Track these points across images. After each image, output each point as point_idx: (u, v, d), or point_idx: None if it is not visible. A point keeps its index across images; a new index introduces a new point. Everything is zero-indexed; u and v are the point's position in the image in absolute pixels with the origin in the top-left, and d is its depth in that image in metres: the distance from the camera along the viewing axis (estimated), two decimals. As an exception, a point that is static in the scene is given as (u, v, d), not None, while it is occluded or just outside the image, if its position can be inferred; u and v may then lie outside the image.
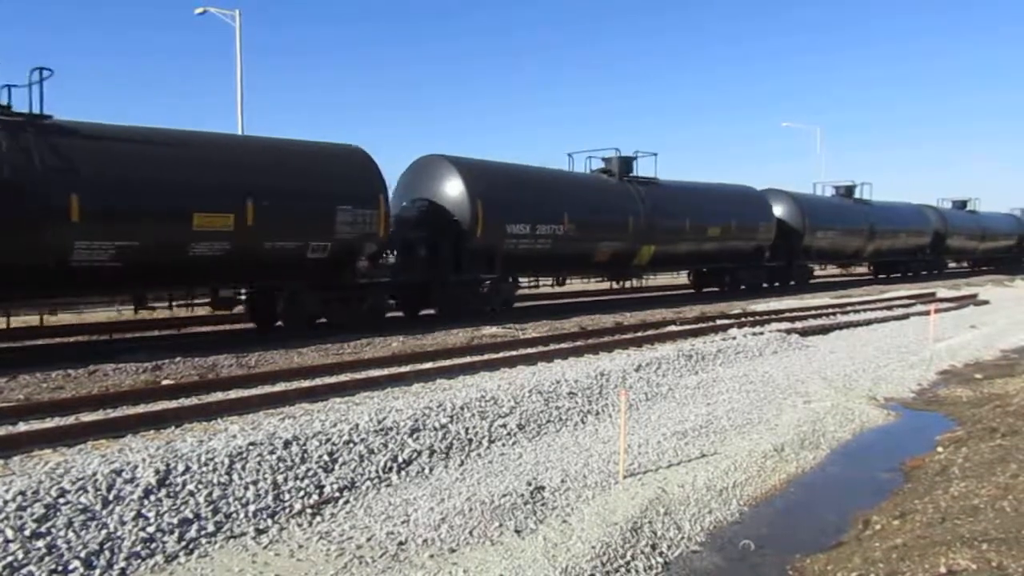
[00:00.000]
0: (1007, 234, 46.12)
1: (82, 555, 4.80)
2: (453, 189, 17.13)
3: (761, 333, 14.90)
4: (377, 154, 18.01)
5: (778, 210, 27.64)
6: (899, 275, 36.13)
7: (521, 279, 19.56)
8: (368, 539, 5.40)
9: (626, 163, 22.20)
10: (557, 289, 23.99)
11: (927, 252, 37.44)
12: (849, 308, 20.73)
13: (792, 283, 28.77)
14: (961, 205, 43.17)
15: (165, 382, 9.90)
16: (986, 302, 24.02)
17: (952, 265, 43.77)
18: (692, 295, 25.64)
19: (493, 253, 17.67)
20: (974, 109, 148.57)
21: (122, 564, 4.85)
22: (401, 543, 5.34)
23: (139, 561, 4.92)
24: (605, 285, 25.86)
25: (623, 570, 5.17)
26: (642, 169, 22.71)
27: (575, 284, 27.17)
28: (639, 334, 14.75)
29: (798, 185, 35.22)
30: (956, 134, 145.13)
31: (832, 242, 30.35)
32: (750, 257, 26.33)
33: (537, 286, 21.54)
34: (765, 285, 27.62)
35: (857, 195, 33.73)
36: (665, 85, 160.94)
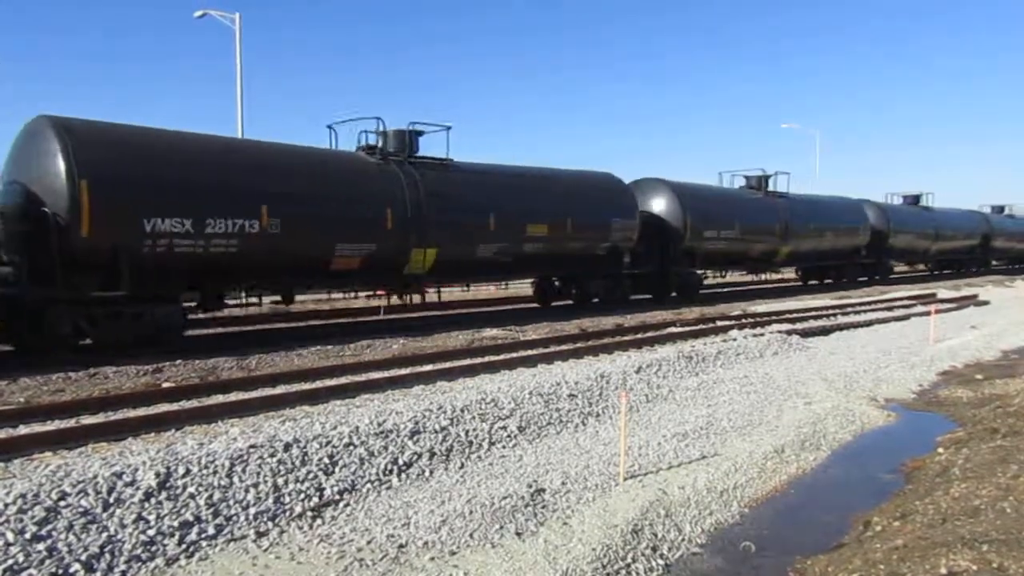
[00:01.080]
0: (968, 233, 41.00)
1: (83, 558, 4.80)
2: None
3: (761, 334, 14.90)
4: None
5: (653, 204, 23.12)
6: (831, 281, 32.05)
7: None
8: (368, 542, 5.40)
9: (401, 137, 16.51)
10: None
11: (862, 253, 32.79)
12: (849, 309, 20.73)
13: (673, 295, 23.41)
14: (913, 200, 38.86)
15: (165, 385, 9.91)
16: (986, 303, 24.02)
17: (902, 268, 40.59)
18: (535, 310, 20.94)
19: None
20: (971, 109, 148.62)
21: (123, 567, 4.85)
22: (402, 546, 5.34)
23: (139, 564, 4.92)
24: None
25: (624, 572, 5.17)
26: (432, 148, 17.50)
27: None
28: (639, 336, 14.76)
29: (797, 187, 33.86)
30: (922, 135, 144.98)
31: (729, 243, 25.06)
32: (601, 263, 20.64)
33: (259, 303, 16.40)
34: (632, 297, 22.14)
35: (771, 187, 28.06)
36: (665, 87, 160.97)
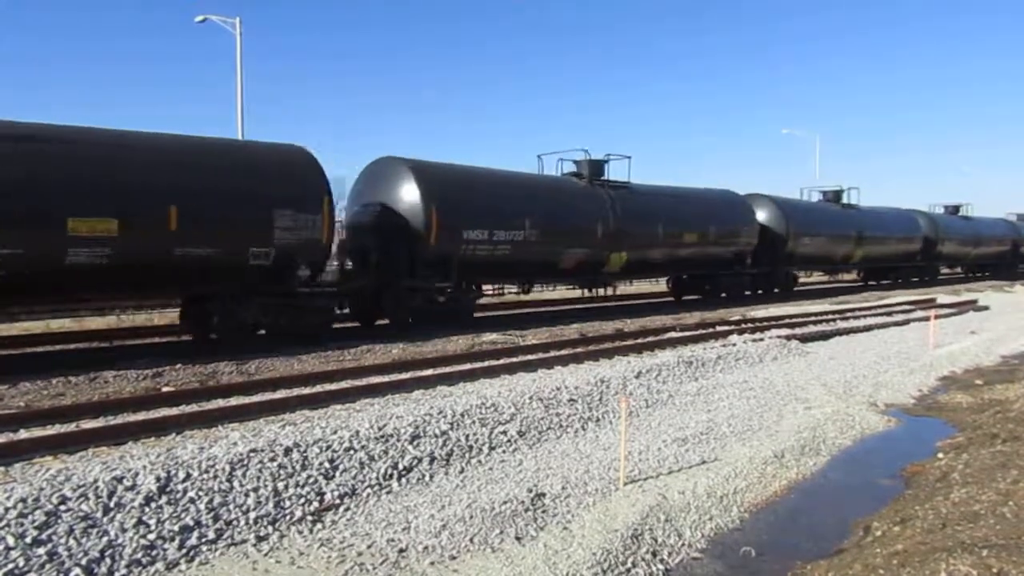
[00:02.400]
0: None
1: (83, 562, 4.80)
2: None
3: (761, 339, 14.91)
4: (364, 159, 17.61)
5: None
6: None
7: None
8: (369, 546, 5.40)
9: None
10: (535, 296, 23.33)
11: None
12: (849, 314, 20.73)
13: (776, 290, 27.80)
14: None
15: (166, 389, 9.91)
16: (986, 308, 24.04)
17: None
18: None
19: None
20: (970, 115, 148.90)
21: (123, 571, 4.85)
22: (402, 550, 5.35)
23: (140, 568, 4.92)
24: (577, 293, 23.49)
25: (624, 577, 5.17)
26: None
27: (555, 292, 25.99)
28: (639, 340, 14.75)
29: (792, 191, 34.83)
30: (952, 141, 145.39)
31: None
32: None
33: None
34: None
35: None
36: (663, 91, 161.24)
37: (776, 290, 27.76)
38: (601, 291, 21.85)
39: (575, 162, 21.25)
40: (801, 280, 33.01)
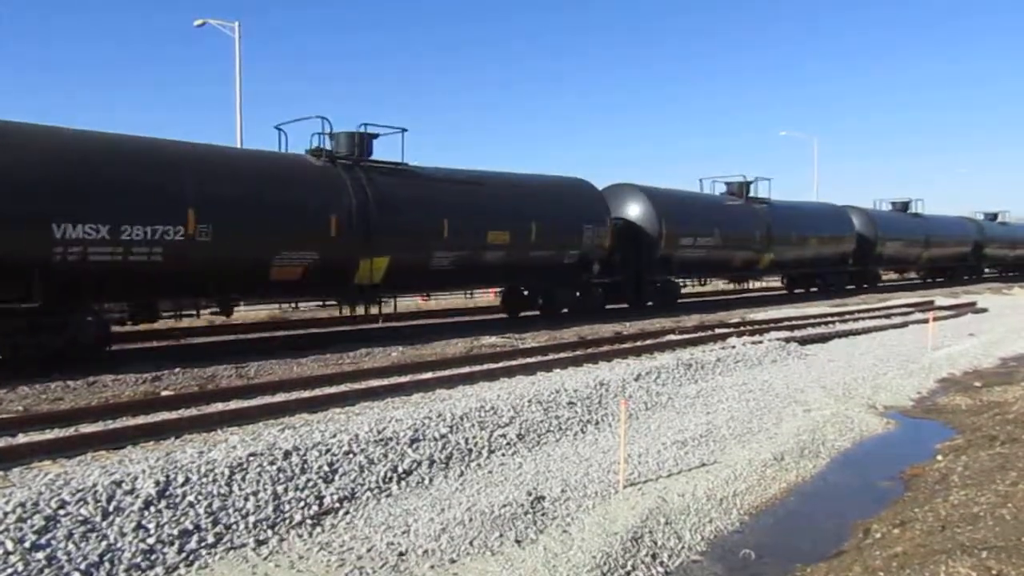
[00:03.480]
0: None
1: (82, 567, 4.79)
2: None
3: (760, 342, 14.92)
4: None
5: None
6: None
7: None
8: (368, 549, 5.40)
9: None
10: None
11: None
12: (848, 316, 20.75)
13: (649, 304, 22.74)
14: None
15: (164, 393, 9.90)
16: (984, 310, 24.06)
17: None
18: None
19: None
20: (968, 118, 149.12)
21: (122, 576, 4.84)
22: (401, 553, 5.34)
23: (139, 573, 4.90)
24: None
25: (624, 580, 5.17)
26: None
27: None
28: (638, 343, 14.76)
29: (796, 195, 34.38)
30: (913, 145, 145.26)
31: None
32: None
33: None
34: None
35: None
36: (661, 94, 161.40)
37: (650, 303, 22.62)
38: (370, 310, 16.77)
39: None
40: (691, 289, 28.36)
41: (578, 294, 20.38)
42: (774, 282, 33.61)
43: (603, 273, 20.73)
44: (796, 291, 31.47)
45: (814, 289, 31.07)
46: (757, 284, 32.44)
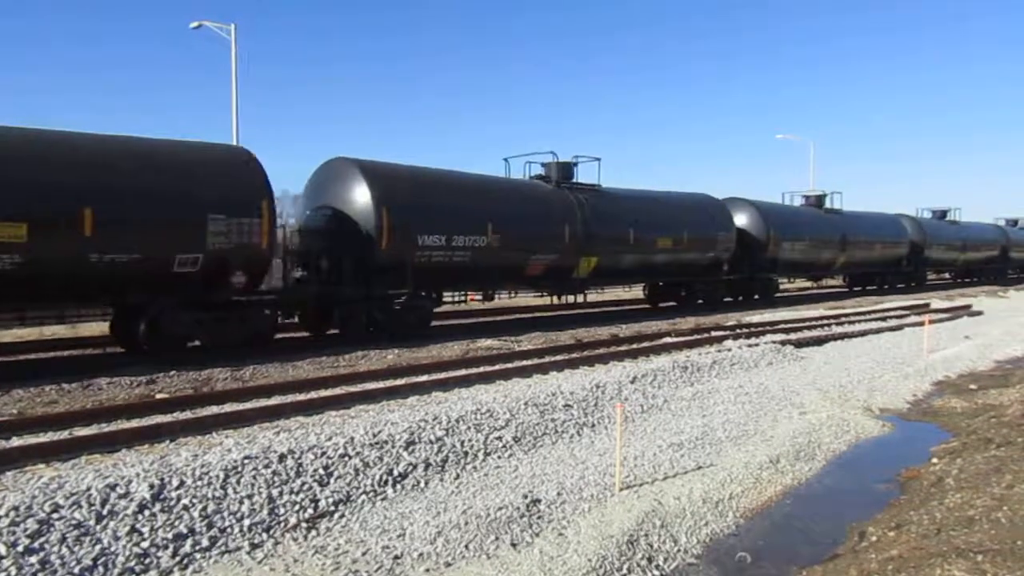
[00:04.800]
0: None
1: (76, 571, 4.77)
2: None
3: (756, 344, 14.93)
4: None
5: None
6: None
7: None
8: (364, 553, 5.38)
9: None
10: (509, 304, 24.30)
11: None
12: (844, 319, 20.79)
13: (756, 297, 27.09)
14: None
15: (159, 396, 9.87)
16: (980, 313, 24.11)
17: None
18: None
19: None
20: (964, 121, 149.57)
21: (116, 580, 4.82)
22: (397, 557, 5.33)
23: (133, 577, 4.89)
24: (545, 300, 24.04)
25: (619, 583, 5.16)
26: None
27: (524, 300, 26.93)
28: (634, 346, 14.76)
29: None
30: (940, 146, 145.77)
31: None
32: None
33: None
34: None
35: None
36: (661, 96, 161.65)
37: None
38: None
39: (542, 164, 20.88)
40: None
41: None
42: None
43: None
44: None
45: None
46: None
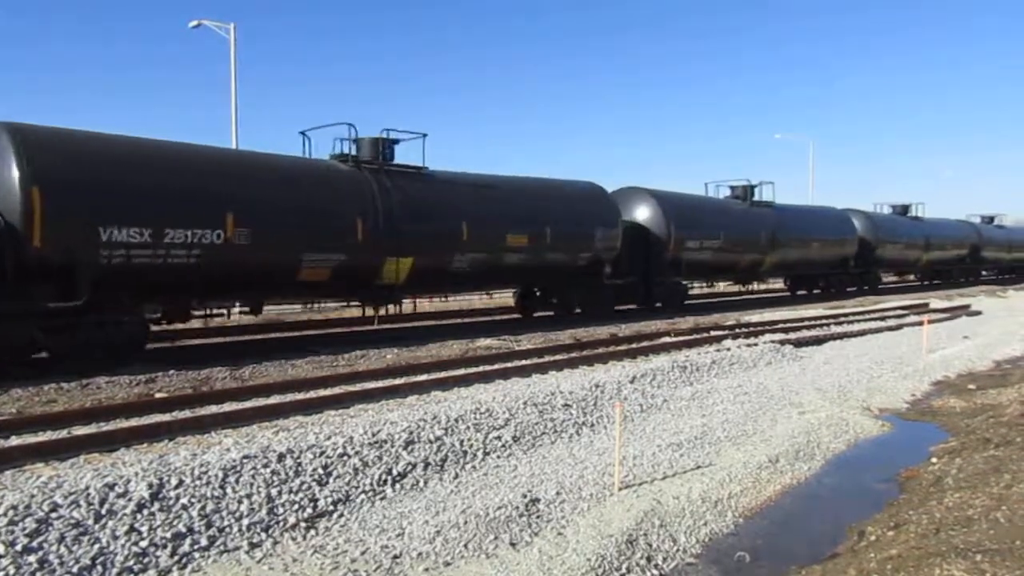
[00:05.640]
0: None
1: (74, 570, 4.77)
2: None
3: (755, 344, 14.93)
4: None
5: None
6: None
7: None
8: (363, 553, 5.38)
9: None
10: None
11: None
12: (843, 319, 20.80)
13: (658, 305, 22.94)
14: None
15: (158, 395, 9.86)
16: (978, 313, 24.12)
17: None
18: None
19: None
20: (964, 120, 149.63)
21: (115, 579, 4.81)
22: (396, 556, 5.32)
23: (132, 576, 4.89)
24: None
25: (618, 583, 5.16)
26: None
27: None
28: (633, 345, 14.76)
29: (790, 198, 33.17)
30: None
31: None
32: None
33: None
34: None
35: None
36: (662, 97, 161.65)
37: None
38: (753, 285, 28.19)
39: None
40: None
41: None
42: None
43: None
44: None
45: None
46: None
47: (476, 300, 27.67)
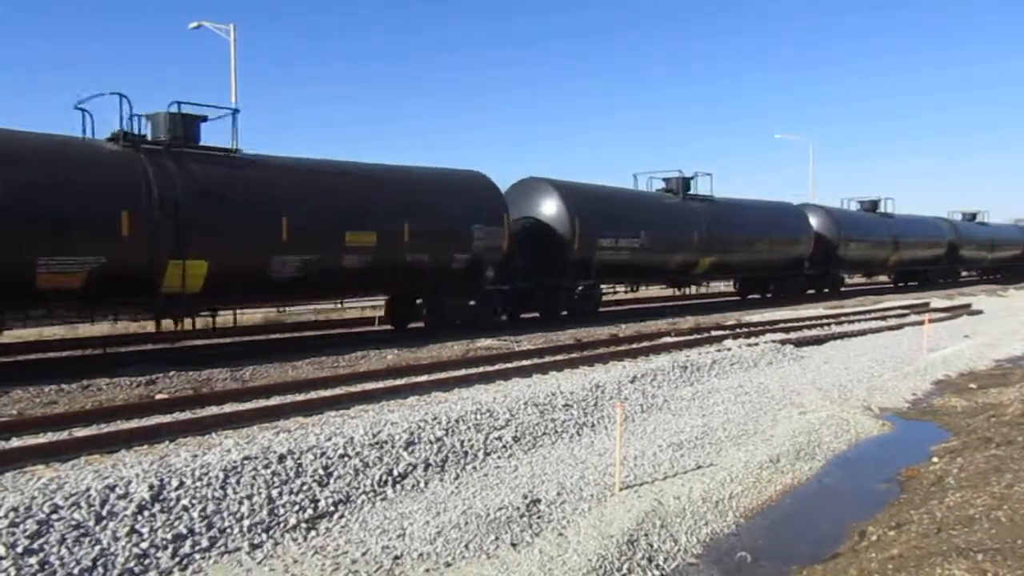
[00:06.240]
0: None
1: (75, 572, 4.77)
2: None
3: (756, 344, 14.93)
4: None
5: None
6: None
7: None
8: (363, 553, 5.38)
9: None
10: None
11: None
12: (843, 318, 20.80)
13: (826, 291, 30.15)
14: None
15: (159, 396, 9.87)
16: (979, 312, 24.12)
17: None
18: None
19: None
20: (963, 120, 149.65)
21: (115, 580, 4.81)
22: (397, 557, 5.32)
23: (133, 577, 4.88)
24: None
25: (619, 583, 5.16)
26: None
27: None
28: (634, 345, 14.76)
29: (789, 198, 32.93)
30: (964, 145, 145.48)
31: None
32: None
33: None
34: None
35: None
36: (664, 97, 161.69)
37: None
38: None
39: (665, 179, 24.49)
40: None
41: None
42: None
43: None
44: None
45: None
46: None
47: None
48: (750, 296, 28.40)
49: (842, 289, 32.49)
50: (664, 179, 24.73)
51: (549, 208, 19.60)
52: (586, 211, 19.69)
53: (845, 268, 32.09)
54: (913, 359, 14.44)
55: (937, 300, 27.31)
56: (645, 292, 26.71)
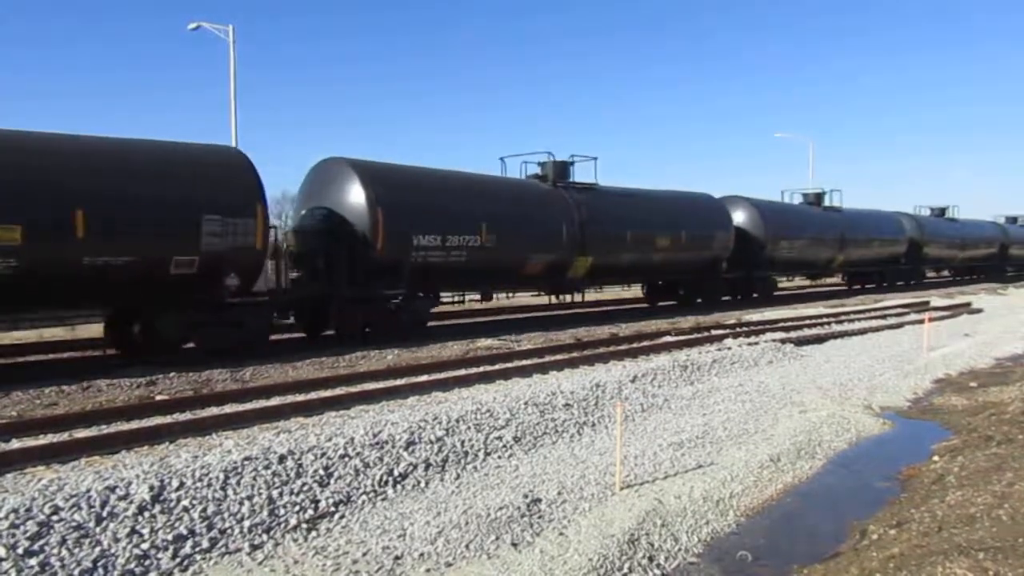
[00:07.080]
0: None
1: (75, 573, 4.76)
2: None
3: (756, 343, 14.93)
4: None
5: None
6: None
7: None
8: (364, 554, 5.38)
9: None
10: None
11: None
12: (843, 317, 20.78)
13: (755, 295, 27.16)
14: (815, 199, 32.66)
15: (159, 397, 9.86)
16: (979, 310, 24.12)
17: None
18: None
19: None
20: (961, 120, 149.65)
21: (116, 581, 4.81)
22: (397, 557, 5.32)
23: (133, 578, 4.88)
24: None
25: (620, 583, 5.15)
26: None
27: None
28: (634, 345, 14.75)
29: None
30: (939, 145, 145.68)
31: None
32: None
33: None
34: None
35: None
36: (665, 96, 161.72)
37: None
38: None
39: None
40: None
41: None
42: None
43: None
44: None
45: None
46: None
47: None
48: (660, 304, 25.15)
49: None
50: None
51: (349, 196, 15.60)
52: (396, 200, 15.64)
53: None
54: (913, 358, 14.43)
55: (937, 299, 27.32)
56: (520, 300, 24.93)
